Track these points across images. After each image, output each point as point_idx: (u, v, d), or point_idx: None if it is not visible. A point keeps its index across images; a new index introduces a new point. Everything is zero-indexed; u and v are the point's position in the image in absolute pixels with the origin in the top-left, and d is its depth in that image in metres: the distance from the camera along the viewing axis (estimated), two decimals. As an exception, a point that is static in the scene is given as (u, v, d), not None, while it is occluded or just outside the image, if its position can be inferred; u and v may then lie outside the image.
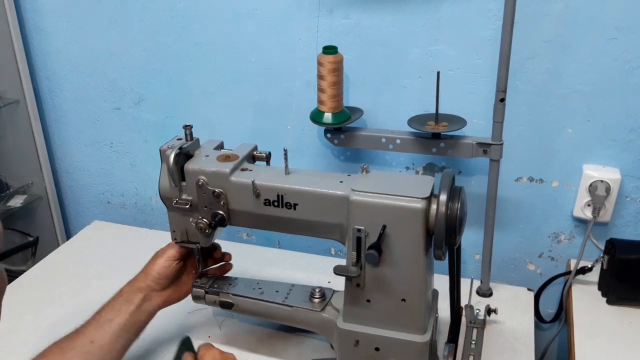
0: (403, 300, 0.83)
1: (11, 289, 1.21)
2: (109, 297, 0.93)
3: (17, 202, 1.49)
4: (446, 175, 0.80)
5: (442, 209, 0.78)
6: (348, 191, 0.82)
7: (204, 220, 0.90)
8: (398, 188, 0.80)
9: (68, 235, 1.59)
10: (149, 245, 1.34)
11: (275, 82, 1.25)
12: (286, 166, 0.88)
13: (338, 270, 0.82)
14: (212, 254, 1.02)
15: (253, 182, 0.85)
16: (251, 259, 1.31)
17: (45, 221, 1.54)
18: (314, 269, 1.26)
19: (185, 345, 0.97)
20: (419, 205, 0.78)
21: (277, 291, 0.97)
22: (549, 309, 1.26)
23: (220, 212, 0.89)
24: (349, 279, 0.85)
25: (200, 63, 1.29)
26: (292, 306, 0.94)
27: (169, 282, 0.95)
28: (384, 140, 1.13)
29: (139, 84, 1.37)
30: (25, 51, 1.41)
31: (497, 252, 1.17)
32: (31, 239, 0.55)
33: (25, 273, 1.28)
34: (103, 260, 1.33)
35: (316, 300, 0.94)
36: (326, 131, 1.17)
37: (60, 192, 1.59)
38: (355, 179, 0.85)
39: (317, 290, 0.95)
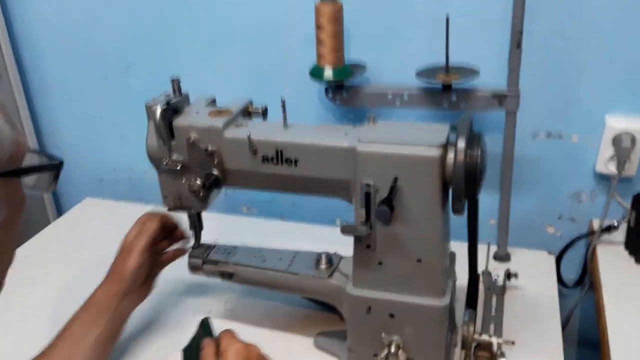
0: (419, 260, 0.75)
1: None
2: (101, 276, 0.86)
3: (4, 181, 1.41)
4: (463, 121, 0.72)
5: (460, 156, 0.69)
6: (354, 142, 0.73)
7: (197, 181, 0.82)
8: (410, 136, 0.72)
9: (60, 214, 1.52)
10: (143, 221, 1.30)
11: (271, 40, 1.17)
12: (284, 119, 0.80)
13: (346, 230, 0.75)
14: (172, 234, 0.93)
15: (249, 137, 0.77)
16: (252, 232, 1.23)
17: (35, 199, 1.46)
18: (319, 240, 1.17)
19: (205, 328, 0.90)
20: (434, 153, 0.70)
21: (280, 259, 0.90)
22: (570, 273, 1.19)
23: (215, 172, 0.82)
24: (358, 240, 0.77)
25: (190, 22, 1.21)
26: (296, 273, 0.86)
27: (145, 278, 0.88)
28: (390, 96, 1.05)
29: (127, 50, 1.29)
30: (5, 19, 1.32)
31: (513, 216, 1.09)
32: (55, 162, 0.51)
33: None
34: (96, 238, 1.26)
35: (323, 267, 0.86)
36: (327, 90, 1.10)
37: (50, 170, 1.50)
38: (361, 129, 0.77)
39: (323, 255, 0.87)
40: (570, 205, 1.15)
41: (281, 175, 0.79)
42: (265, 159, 0.79)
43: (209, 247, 0.93)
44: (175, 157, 0.83)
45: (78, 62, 1.34)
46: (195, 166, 0.82)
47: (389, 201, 0.70)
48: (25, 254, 1.20)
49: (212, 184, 0.81)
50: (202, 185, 0.82)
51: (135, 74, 1.31)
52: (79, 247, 1.23)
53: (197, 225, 0.91)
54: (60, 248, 1.24)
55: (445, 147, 0.71)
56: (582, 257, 1.14)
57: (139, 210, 1.36)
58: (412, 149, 0.71)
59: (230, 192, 1.35)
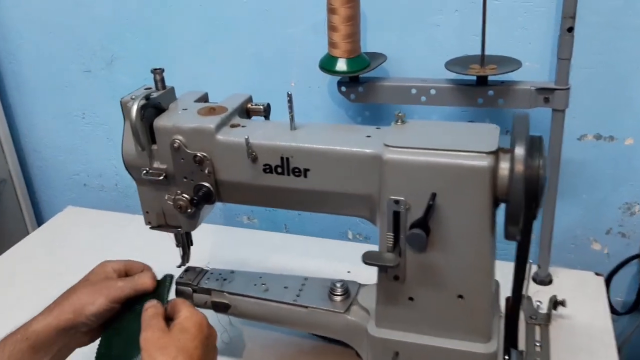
0: (460, 296, 0.61)
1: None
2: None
3: (-24, 187, 1.32)
4: (520, 120, 0.57)
5: (519, 167, 0.55)
6: (379, 148, 0.59)
7: (184, 196, 0.69)
8: (451, 140, 0.58)
9: (39, 224, 1.41)
10: (131, 233, 1.18)
11: (274, 29, 1.05)
12: (292, 118, 0.65)
13: (369, 259, 0.60)
14: None
15: (247, 141, 0.63)
16: (254, 246, 1.12)
17: (12, 208, 1.36)
18: (329, 256, 1.07)
19: (162, 287, 0.71)
20: (484, 162, 0.55)
21: (285, 287, 0.76)
22: (617, 296, 1.05)
23: (205, 184, 0.68)
24: (383, 270, 0.63)
25: (183, 9, 1.09)
26: (306, 307, 0.72)
27: (100, 325, 0.70)
28: (414, 91, 0.90)
29: (111, 39, 1.17)
30: (-25, 6, 1.20)
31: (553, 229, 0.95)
32: None
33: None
34: (78, 251, 1.15)
35: (338, 298, 0.72)
36: (340, 84, 0.96)
37: (28, 174, 1.40)
38: (388, 131, 0.63)
39: (338, 284, 0.73)
40: (620, 219, 1.01)
41: (287, 188, 0.66)
42: (267, 169, 0.65)
43: (201, 272, 0.79)
44: (157, 165, 0.70)
45: (58, 53, 1.23)
46: (182, 176, 0.69)
47: (424, 223, 0.57)
48: (0, 268, 1.12)
49: (202, 198, 0.67)
50: (189, 201, 0.68)
51: (120, 67, 1.20)
52: (59, 260, 1.13)
53: (185, 245, 0.77)
54: (39, 261, 1.14)
55: (496, 154, 0.56)
56: (634, 279, 1.00)
57: (127, 220, 1.25)
58: (455, 157, 0.57)
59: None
